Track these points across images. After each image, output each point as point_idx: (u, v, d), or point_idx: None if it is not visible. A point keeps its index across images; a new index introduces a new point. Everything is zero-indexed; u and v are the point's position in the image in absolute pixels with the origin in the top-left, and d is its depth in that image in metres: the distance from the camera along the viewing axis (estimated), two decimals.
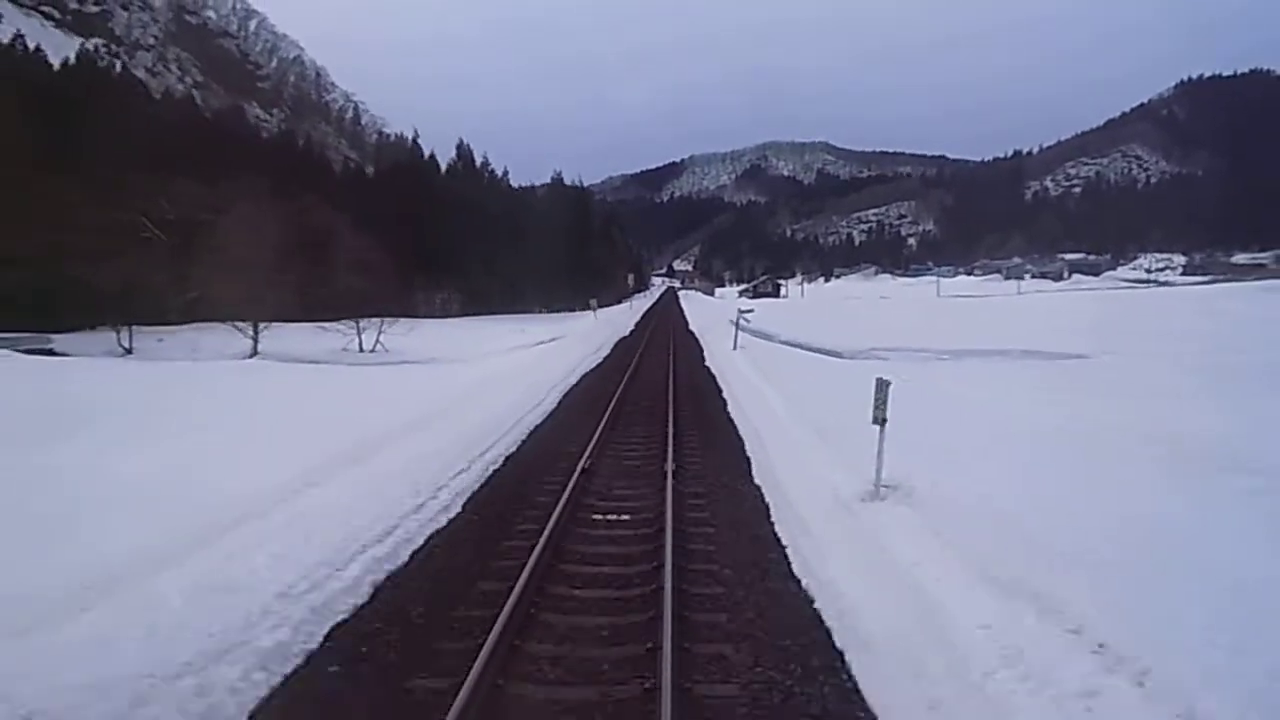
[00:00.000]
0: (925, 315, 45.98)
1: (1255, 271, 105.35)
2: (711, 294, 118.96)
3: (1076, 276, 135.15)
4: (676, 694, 3.84)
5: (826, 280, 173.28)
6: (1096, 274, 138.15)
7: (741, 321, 27.02)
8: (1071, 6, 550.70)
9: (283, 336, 32.65)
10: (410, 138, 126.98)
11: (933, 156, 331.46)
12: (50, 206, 29.57)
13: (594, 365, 21.04)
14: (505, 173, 78.06)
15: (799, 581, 5.50)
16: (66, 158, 34.12)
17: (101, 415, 11.34)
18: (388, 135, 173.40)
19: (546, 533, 6.21)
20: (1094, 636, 4.05)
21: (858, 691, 4.06)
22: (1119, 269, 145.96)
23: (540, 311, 58.39)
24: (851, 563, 5.60)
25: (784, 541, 6.33)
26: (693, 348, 26.91)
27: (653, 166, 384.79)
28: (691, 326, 40.04)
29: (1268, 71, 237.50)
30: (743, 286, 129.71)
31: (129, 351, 31.54)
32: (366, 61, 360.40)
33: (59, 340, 30.58)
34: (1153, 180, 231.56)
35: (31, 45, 69.58)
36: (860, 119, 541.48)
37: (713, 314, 47.32)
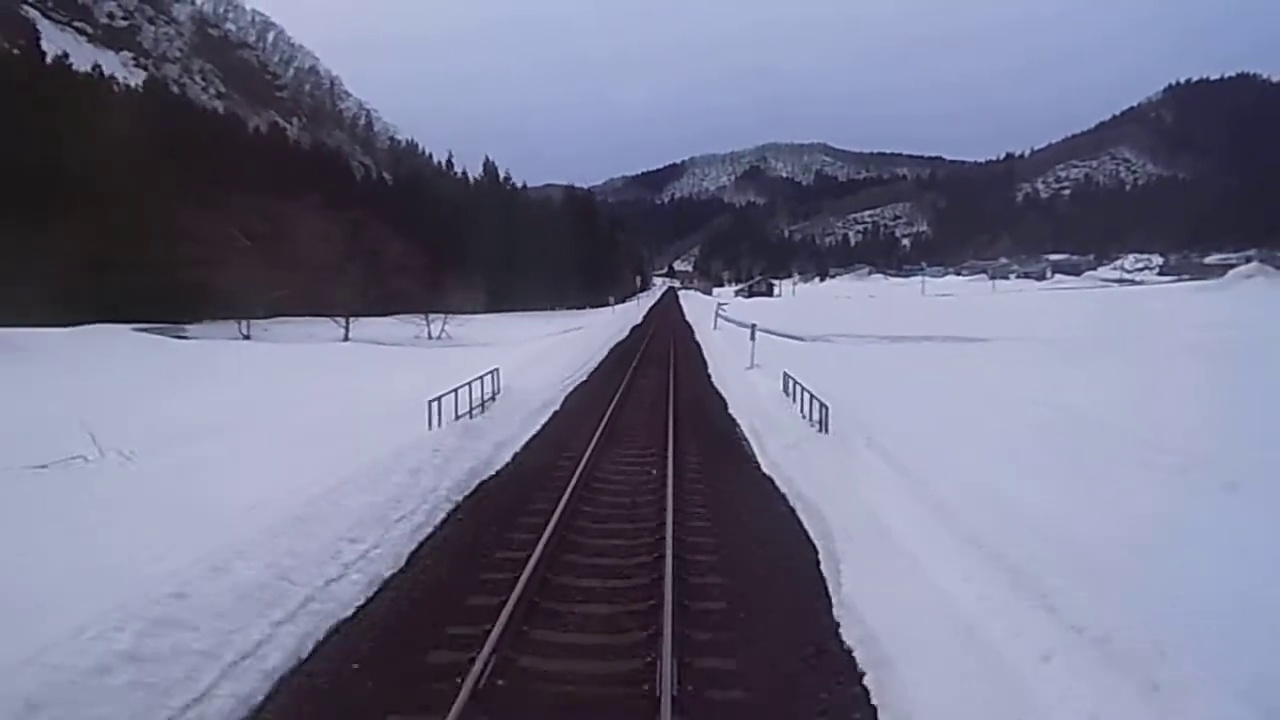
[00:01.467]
0: (892, 311, 53.71)
1: (1223, 271, 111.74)
2: (709, 293, 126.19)
3: (1058, 276, 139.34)
4: (674, 399, 14.10)
5: (821, 280, 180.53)
6: (1077, 274, 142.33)
7: (720, 310, 39.09)
8: (1071, 9, 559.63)
9: (364, 326, 40.27)
10: (418, 144, 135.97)
11: (929, 157, 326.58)
12: (164, 220, 35.57)
13: (619, 340, 31.48)
14: (524, 184, 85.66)
15: (715, 387, 16.37)
16: (168, 177, 41.05)
17: (362, 364, 23.49)
18: (399, 142, 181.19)
19: (623, 386, 16.28)
20: (803, 388, 13.82)
21: (725, 404, 14.44)
22: (1099, 269, 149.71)
23: (555, 309, 64.11)
24: (735, 384, 16.12)
25: (715, 382, 17.07)
26: (686, 330, 38.05)
27: (653, 168, 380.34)
28: (688, 318, 51.31)
29: (1255, 75, 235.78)
30: (738, 286, 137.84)
31: (247, 338, 37.95)
32: (366, 62, 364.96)
33: (190, 330, 37.10)
34: (1140, 182, 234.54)
35: (73, 63, 75.71)
36: (858, 120, 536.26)
37: (706, 310, 56.31)
